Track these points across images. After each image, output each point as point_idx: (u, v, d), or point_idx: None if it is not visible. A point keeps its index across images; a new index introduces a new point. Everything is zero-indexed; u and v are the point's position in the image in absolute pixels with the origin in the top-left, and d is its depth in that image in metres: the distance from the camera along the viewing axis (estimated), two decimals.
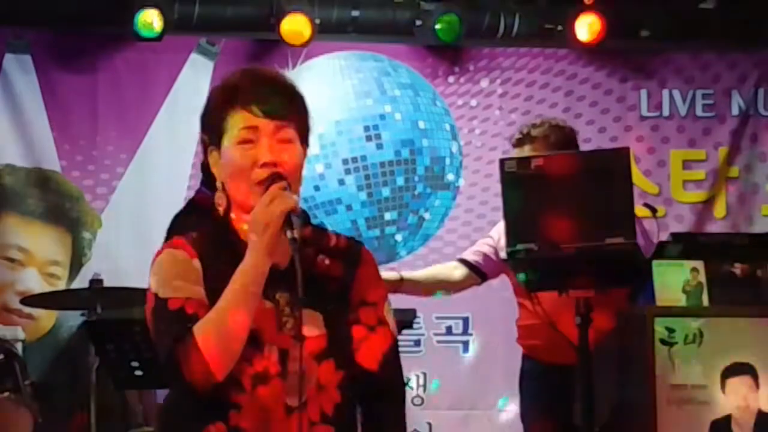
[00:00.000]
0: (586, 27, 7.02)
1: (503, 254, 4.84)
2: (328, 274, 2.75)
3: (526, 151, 5.01)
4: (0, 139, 6.80)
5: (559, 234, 4.36)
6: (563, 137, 5.05)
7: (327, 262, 2.75)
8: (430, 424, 7.03)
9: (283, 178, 2.64)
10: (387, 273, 5.01)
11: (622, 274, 4.48)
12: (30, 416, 5.45)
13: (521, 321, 5.20)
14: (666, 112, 7.44)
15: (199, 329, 2.56)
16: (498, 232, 5.09)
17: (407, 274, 5.19)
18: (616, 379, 4.69)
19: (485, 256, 5.16)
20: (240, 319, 2.57)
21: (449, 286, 5.27)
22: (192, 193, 2.89)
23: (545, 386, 5.09)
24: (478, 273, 5.19)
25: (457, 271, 5.21)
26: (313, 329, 2.67)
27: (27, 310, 6.56)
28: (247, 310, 2.58)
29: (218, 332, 2.56)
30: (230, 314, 2.57)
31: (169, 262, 2.68)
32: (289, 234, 2.59)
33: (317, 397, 2.67)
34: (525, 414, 5.25)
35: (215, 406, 2.62)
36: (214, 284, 2.62)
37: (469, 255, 5.22)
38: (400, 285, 5.07)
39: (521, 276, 4.58)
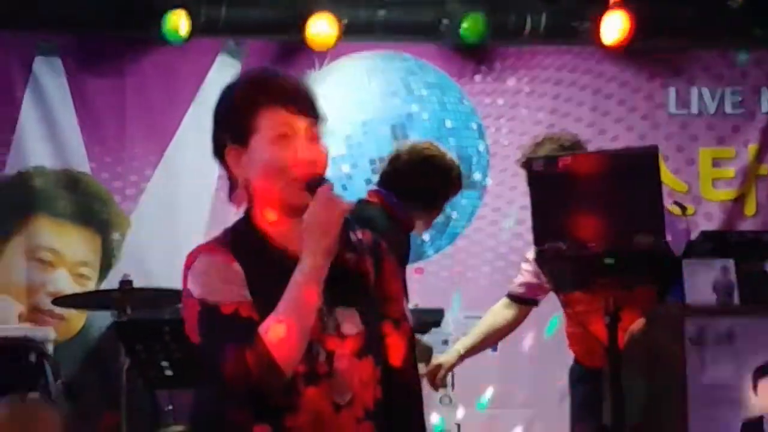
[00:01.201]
0: (614, 25, 7.00)
1: None
2: (358, 270, 2.77)
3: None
4: (30, 141, 6.84)
5: (588, 233, 4.33)
6: (565, 151, 5.04)
7: (354, 258, 2.76)
8: (459, 425, 7.02)
9: (328, 180, 2.66)
10: (444, 357, 5.13)
11: (651, 273, 4.46)
12: (61, 416, 5.47)
13: (567, 328, 5.21)
14: (695, 109, 7.41)
15: (265, 332, 2.58)
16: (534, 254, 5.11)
17: (462, 345, 5.22)
18: (646, 380, 4.68)
19: (528, 284, 5.18)
20: (305, 320, 2.60)
21: (507, 329, 5.31)
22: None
23: (587, 390, 5.09)
24: (528, 302, 5.22)
25: (509, 311, 5.24)
26: (352, 327, 2.70)
27: (58, 310, 6.60)
28: (310, 312, 2.61)
29: (286, 335, 2.57)
30: (295, 316, 2.59)
31: (209, 267, 2.67)
32: (352, 237, 2.64)
33: (361, 393, 2.70)
34: (572, 417, 5.26)
35: (263, 407, 2.64)
36: (257, 287, 2.64)
37: (515, 288, 5.23)
38: (462, 360, 5.15)
39: (549, 275, 4.57)
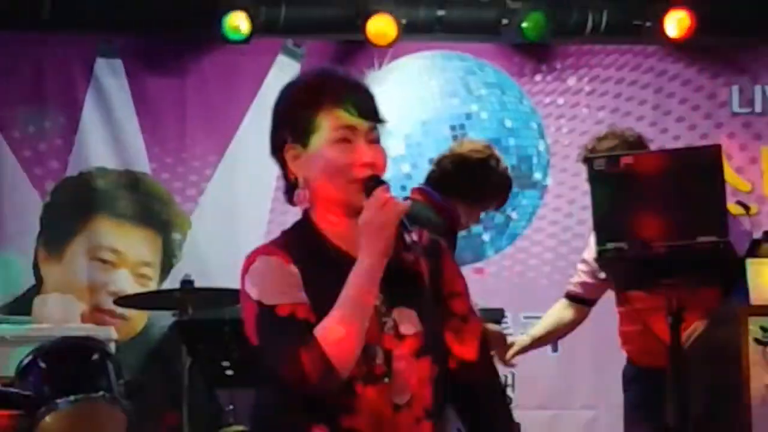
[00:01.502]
0: (676, 22, 6.95)
1: (601, 273, 4.83)
2: (416, 269, 2.76)
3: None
4: (92, 142, 6.89)
5: (650, 232, 4.31)
6: (628, 148, 5.01)
7: (411, 258, 2.76)
8: (518, 425, 6.98)
9: (384, 181, 2.67)
10: (518, 338, 5.13)
11: (714, 273, 4.42)
12: (123, 415, 5.50)
13: (621, 327, 5.17)
14: (758, 108, 7.34)
15: (321, 333, 2.59)
16: (589, 253, 5.08)
17: (530, 334, 5.21)
18: (710, 379, 4.63)
19: (585, 284, 5.15)
20: (360, 321, 2.60)
21: (567, 329, 5.30)
22: (279, 194, 2.91)
23: (644, 390, 5.05)
24: (586, 302, 5.20)
25: (567, 311, 5.21)
26: (410, 327, 2.70)
27: (119, 310, 6.65)
28: (365, 313, 2.62)
29: (341, 336, 2.58)
30: (350, 317, 2.60)
31: (266, 269, 2.68)
32: (407, 238, 2.63)
33: (420, 393, 2.70)
34: (626, 419, 5.22)
35: (321, 408, 2.64)
36: (311, 290, 2.65)
37: (573, 288, 5.21)
38: (531, 346, 5.13)
39: (612, 275, 4.55)
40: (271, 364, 2.63)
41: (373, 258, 2.62)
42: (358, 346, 2.60)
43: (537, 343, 5.19)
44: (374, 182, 2.66)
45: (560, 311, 5.22)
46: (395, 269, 2.68)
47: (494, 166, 4.85)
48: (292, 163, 2.74)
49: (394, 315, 2.69)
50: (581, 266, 5.20)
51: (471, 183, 4.80)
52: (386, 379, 2.66)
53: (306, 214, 2.76)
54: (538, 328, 5.22)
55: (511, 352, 5.04)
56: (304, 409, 2.65)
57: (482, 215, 4.96)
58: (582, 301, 5.19)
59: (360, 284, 2.62)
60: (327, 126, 2.69)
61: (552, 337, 5.36)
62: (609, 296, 5.07)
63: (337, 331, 2.59)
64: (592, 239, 5.11)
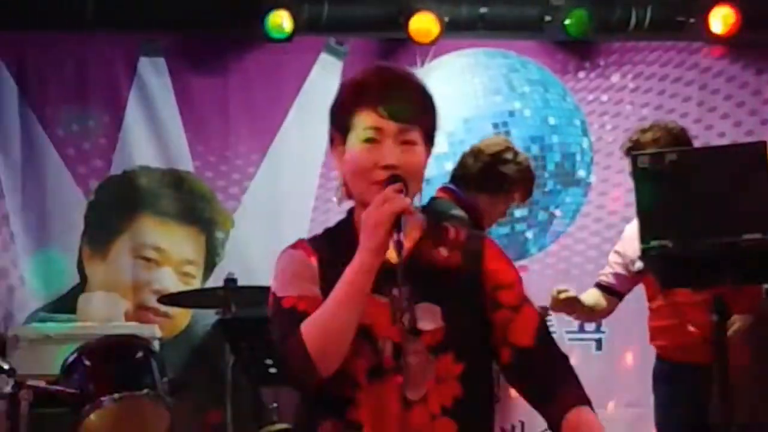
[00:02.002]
0: (720, 19, 6.91)
1: (635, 266, 4.81)
2: (447, 266, 2.76)
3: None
4: (135, 141, 6.92)
5: (694, 230, 4.28)
6: (672, 139, 5.00)
7: (445, 254, 2.76)
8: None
9: (401, 180, 2.67)
10: (571, 293, 5.07)
11: (759, 270, 4.39)
12: (167, 413, 5.52)
13: (652, 322, 5.14)
14: None
15: (305, 326, 2.61)
16: (623, 246, 5.07)
17: (580, 295, 5.18)
18: (755, 378, 4.60)
19: (617, 275, 5.14)
20: (346, 316, 2.61)
21: (599, 315, 5.28)
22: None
23: (678, 387, 5.02)
24: (616, 294, 5.17)
25: (601, 299, 5.21)
26: (429, 323, 2.69)
27: (163, 308, 6.67)
28: (353, 308, 2.61)
29: (323, 329, 2.60)
30: (336, 312, 2.61)
31: (286, 261, 2.75)
32: (395, 236, 2.62)
33: (437, 389, 2.68)
34: (658, 415, 5.18)
35: (330, 401, 2.66)
36: (335, 282, 2.65)
37: (604, 278, 5.19)
38: (575, 305, 5.10)
39: (656, 273, 4.52)
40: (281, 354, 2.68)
41: (365, 255, 2.62)
42: (341, 342, 2.60)
43: (582, 307, 5.14)
44: (389, 181, 2.67)
45: (596, 296, 5.20)
46: (424, 265, 2.71)
47: (510, 158, 4.91)
48: (338, 161, 2.78)
49: (416, 310, 2.68)
50: (614, 257, 5.19)
51: (487, 174, 4.89)
52: (397, 374, 2.65)
53: (349, 211, 2.80)
54: (584, 297, 5.19)
55: (564, 295, 5.00)
56: (317, 402, 2.68)
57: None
58: (613, 293, 5.17)
59: (351, 281, 2.62)
60: (360, 125, 2.71)
61: (589, 315, 5.30)
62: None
63: (320, 325, 2.60)
64: (627, 230, 5.09)
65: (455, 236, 2.82)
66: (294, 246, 2.78)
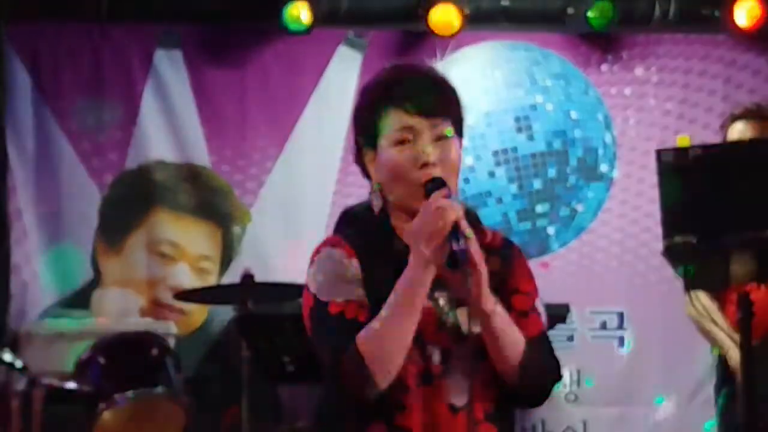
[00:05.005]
0: (745, 11, 6.85)
1: None
2: (488, 270, 2.70)
3: (736, 128, 5.13)
4: (151, 134, 6.86)
5: (720, 226, 4.22)
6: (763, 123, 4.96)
7: (485, 258, 2.70)
8: (584, 422, 6.90)
9: (445, 183, 2.62)
10: None
11: None
12: (183, 410, 5.50)
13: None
14: None
15: (362, 340, 2.57)
16: None
17: None
18: None
19: None
20: (404, 329, 2.57)
21: None
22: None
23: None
24: None
25: None
26: (473, 327, 2.65)
27: (179, 304, 6.63)
28: (411, 321, 2.58)
29: (382, 343, 2.56)
30: (394, 325, 2.57)
31: (328, 262, 2.68)
32: (455, 246, 2.57)
33: (480, 395, 2.66)
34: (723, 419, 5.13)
35: (378, 405, 2.62)
36: (372, 285, 2.63)
37: None
38: None
39: (680, 270, 4.46)
40: (320, 358, 2.63)
41: (422, 267, 2.57)
42: (399, 355, 2.57)
43: None
44: (434, 185, 2.62)
45: None
46: None
47: None
48: (370, 167, 2.73)
49: (458, 314, 2.65)
50: None
51: None
52: (444, 379, 2.63)
53: (383, 214, 2.73)
54: None
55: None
56: (363, 405, 2.62)
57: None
58: None
59: (406, 292, 2.58)
60: (389, 127, 2.66)
61: None
62: (677, 293, 4.96)
63: (378, 341, 2.56)
64: None
65: (492, 240, 2.80)
66: (332, 244, 2.71)
